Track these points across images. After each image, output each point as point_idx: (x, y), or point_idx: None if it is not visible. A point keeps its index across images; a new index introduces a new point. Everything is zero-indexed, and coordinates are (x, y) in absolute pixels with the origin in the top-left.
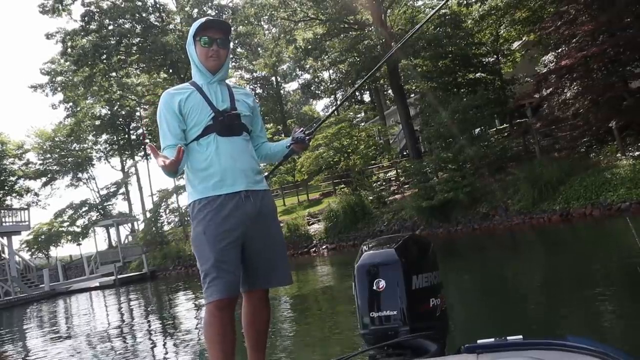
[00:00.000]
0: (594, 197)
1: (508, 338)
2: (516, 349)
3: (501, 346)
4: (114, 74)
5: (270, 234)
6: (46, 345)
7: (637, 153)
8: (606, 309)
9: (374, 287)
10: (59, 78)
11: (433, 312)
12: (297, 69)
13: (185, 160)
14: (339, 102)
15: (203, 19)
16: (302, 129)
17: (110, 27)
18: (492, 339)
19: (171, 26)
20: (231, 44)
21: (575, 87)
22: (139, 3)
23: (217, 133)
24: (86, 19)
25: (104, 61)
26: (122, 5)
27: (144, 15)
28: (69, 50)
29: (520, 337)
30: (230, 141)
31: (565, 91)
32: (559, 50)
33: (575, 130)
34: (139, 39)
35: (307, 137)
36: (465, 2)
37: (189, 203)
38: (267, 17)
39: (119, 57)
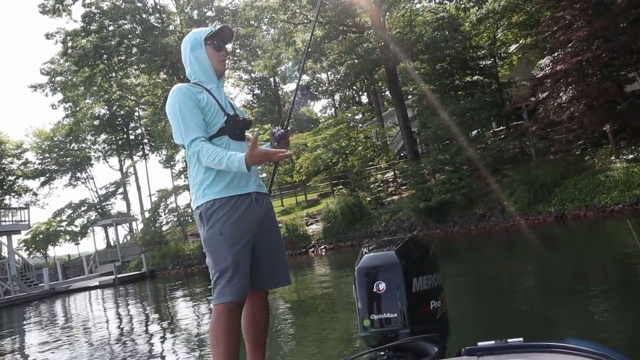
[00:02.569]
0: (588, 199)
1: (509, 340)
2: (517, 352)
3: (502, 348)
4: (113, 74)
5: (274, 237)
6: (47, 344)
7: (630, 156)
8: (605, 310)
9: (374, 290)
10: (59, 78)
11: (433, 315)
12: (297, 71)
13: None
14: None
15: (209, 28)
16: (277, 127)
17: (111, 28)
18: (493, 341)
19: (171, 27)
20: (230, 45)
21: (571, 91)
22: (139, 4)
23: (230, 136)
24: (87, 19)
25: (105, 62)
26: (123, 7)
27: (144, 16)
28: (70, 50)
29: (521, 339)
30: (240, 145)
31: (560, 95)
32: (555, 55)
33: (571, 134)
34: (139, 40)
35: (286, 130)
36: (463, 5)
37: (201, 204)
38: (267, 19)
39: (119, 57)
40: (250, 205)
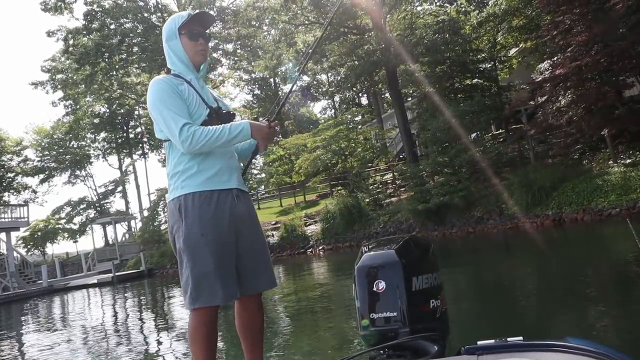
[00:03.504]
0: (585, 202)
1: (508, 339)
2: (516, 351)
3: (501, 347)
4: (114, 72)
5: (257, 237)
6: (44, 341)
7: (628, 161)
8: (604, 309)
9: (374, 289)
10: (60, 76)
11: (433, 314)
12: (296, 72)
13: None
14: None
15: (186, 13)
16: (265, 117)
17: (112, 27)
18: (493, 340)
19: None
20: (231, 45)
21: (569, 96)
22: (141, 3)
23: None
24: (88, 17)
25: (106, 60)
26: (124, 5)
27: (145, 15)
28: (71, 48)
29: (521, 338)
30: None
31: (559, 99)
32: (554, 59)
33: (569, 137)
34: (140, 38)
35: (272, 123)
36: (463, 9)
37: (180, 195)
38: (268, 20)
39: (120, 56)
40: (233, 201)
